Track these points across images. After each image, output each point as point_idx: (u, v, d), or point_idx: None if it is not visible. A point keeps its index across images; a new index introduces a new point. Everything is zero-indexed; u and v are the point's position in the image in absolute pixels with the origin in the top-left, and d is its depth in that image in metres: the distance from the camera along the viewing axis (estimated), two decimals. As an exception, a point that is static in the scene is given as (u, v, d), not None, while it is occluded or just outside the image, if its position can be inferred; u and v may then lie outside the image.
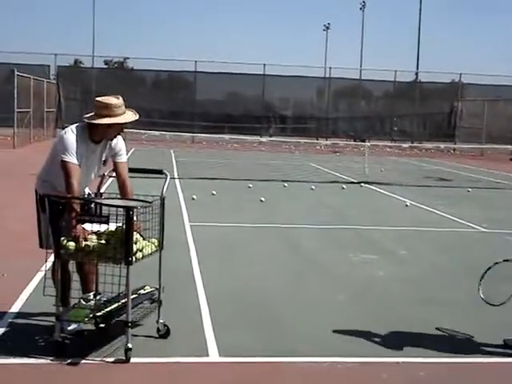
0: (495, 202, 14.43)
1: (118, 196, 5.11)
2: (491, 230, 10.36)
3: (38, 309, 5.48)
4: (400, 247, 9.09)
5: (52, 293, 4.76)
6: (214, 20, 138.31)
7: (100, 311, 4.82)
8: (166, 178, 5.19)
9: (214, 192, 13.63)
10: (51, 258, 4.93)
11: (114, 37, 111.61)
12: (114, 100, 4.98)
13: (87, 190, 5.34)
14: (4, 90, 27.55)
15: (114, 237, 4.64)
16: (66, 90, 34.41)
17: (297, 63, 76.00)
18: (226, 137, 30.56)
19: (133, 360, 4.61)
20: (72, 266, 5.14)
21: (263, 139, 31.01)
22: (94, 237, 4.71)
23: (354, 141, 34.15)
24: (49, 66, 34.98)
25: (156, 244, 4.96)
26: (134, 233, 4.64)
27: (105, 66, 47.21)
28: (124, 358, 4.60)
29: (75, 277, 5.25)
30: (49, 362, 4.57)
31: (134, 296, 4.98)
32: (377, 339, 5.33)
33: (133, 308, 4.79)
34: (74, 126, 5.00)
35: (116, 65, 51.12)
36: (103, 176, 5.39)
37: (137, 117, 5.08)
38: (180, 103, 37.06)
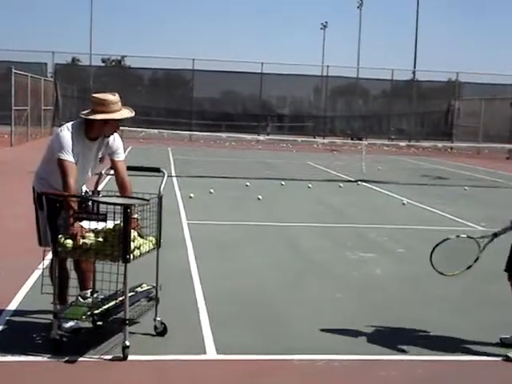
0: (492, 201, 14.45)
1: (116, 194, 5.11)
2: (489, 229, 10.37)
3: (35, 307, 5.48)
4: (397, 245, 9.10)
5: (49, 291, 4.76)
6: (212, 18, 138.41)
7: (97, 309, 4.82)
8: (164, 176, 5.19)
9: (212, 190, 13.64)
10: (49, 256, 4.93)
11: (111, 35, 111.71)
12: (111, 96, 4.98)
13: (84, 188, 5.33)
14: (1, 88, 27.51)
15: (112, 234, 4.64)
16: (64, 88, 34.41)
17: (294, 62, 75.93)
18: (224, 135, 30.56)
19: (130, 358, 4.61)
20: (69, 263, 5.15)
21: (261, 138, 30.99)
22: (92, 234, 4.71)
23: (352, 139, 34.23)
24: (46, 63, 35.01)
25: (153, 242, 4.96)
26: (132, 231, 4.64)
27: (102, 64, 47.24)
28: (121, 355, 4.60)
29: (73, 275, 5.26)
30: (46, 359, 4.57)
31: (132, 294, 4.98)
32: (374, 337, 5.34)
33: (130, 306, 4.79)
34: (69, 124, 5.00)
35: (113, 63, 51.20)
36: (101, 174, 5.39)
37: (133, 114, 5.08)
38: (177, 101, 37.08)
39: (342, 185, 16.13)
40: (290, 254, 8.34)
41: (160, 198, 4.96)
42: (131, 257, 4.61)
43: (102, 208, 4.71)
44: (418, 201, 13.61)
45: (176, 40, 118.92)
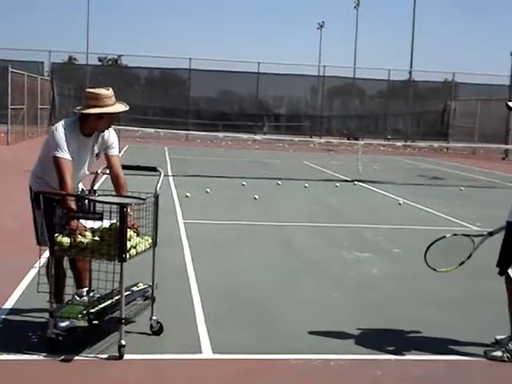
0: (488, 201, 14.47)
1: (112, 193, 5.11)
2: (484, 229, 10.38)
3: (31, 305, 5.48)
4: (393, 245, 9.12)
5: (46, 289, 4.76)
6: (209, 18, 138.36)
7: (93, 308, 4.82)
8: (160, 176, 5.20)
9: (208, 190, 13.64)
10: (45, 255, 4.93)
11: (108, 34, 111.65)
12: (104, 91, 5.00)
13: (81, 186, 5.34)
14: (-2, 87, 27.47)
15: (108, 233, 4.64)
16: (60, 87, 34.37)
17: (291, 61, 75.86)
18: (220, 134, 30.58)
19: (126, 357, 4.61)
20: (66, 262, 5.14)
21: (257, 137, 30.99)
22: (88, 233, 4.71)
23: (348, 139, 34.26)
24: (43, 62, 34.98)
25: (150, 241, 4.97)
26: (128, 230, 4.65)
27: (99, 63, 47.25)
28: (117, 354, 4.60)
29: (69, 273, 5.26)
30: (42, 358, 4.57)
31: (128, 293, 4.98)
32: (370, 337, 5.35)
33: (126, 305, 4.78)
34: (64, 121, 5.02)
35: (110, 62, 51.15)
36: (97, 173, 5.39)
37: (127, 108, 5.09)
38: (174, 101, 37.07)
39: (338, 184, 16.14)
40: (286, 254, 8.34)
41: (156, 197, 4.96)
42: (127, 256, 4.61)
43: (99, 207, 4.71)
44: (414, 201, 13.63)
45: (173, 39, 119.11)
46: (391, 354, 5.02)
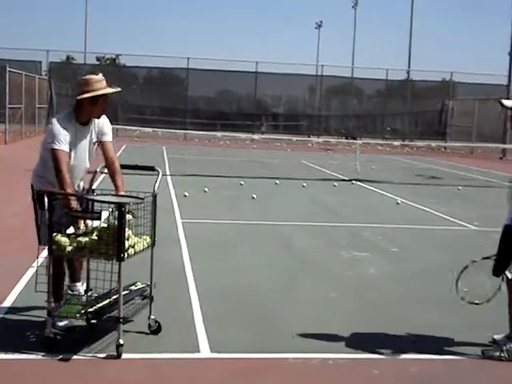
0: (485, 200, 14.49)
1: (111, 192, 5.11)
2: (482, 228, 10.43)
3: (29, 305, 5.48)
4: (391, 245, 9.12)
5: (44, 289, 4.76)
6: (207, 17, 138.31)
7: (91, 307, 4.82)
8: (158, 175, 5.20)
9: (206, 189, 13.64)
10: (43, 254, 4.93)
11: (106, 33, 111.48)
12: (94, 76, 5.18)
13: (81, 184, 5.37)
14: (-5, 86, 27.44)
15: (106, 233, 4.64)
16: (58, 86, 34.34)
17: (289, 61, 75.84)
18: (218, 134, 30.52)
19: (124, 356, 4.61)
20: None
21: (255, 137, 31.00)
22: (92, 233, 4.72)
23: (346, 138, 34.31)
24: (41, 62, 34.98)
25: (148, 241, 4.97)
26: (126, 229, 4.65)
27: (97, 63, 47.11)
28: (115, 353, 4.61)
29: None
30: (40, 357, 4.57)
31: (126, 292, 4.98)
32: (368, 336, 5.36)
33: (124, 304, 4.79)
34: (58, 115, 5.21)
35: (108, 61, 51.06)
36: (95, 172, 5.41)
37: (118, 89, 5.30)
38: (172, 100, 37.04)
39: (336, 184, 16.15)
40: (285, 253, 8.35)
41: (154, 196, 4.97)
42: (125, 255, 4.62)
43: (97, 206, 4.72)
44: (412, 200, 13.65)
45: (171, 39, 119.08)
46: (389, 353, 5.02)
